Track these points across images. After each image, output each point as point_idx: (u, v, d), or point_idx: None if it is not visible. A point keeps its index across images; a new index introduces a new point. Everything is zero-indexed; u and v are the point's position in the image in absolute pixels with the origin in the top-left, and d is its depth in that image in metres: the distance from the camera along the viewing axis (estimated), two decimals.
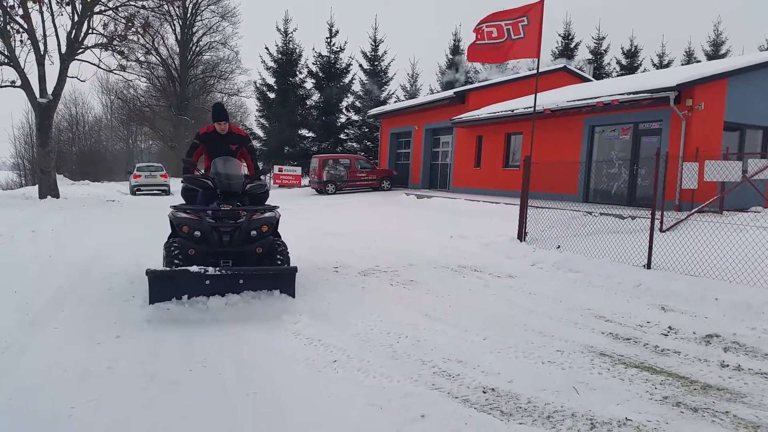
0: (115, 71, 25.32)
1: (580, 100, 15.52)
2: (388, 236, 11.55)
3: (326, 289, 6.80)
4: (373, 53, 37.37)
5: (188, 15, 42.66)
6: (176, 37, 43.18)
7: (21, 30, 20.56)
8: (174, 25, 42.39)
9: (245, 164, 7.09)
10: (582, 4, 43.26)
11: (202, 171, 6.77)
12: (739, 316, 5.77)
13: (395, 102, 35.29)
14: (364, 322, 5.46)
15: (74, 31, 21.31)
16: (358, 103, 37.16)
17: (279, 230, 6.81)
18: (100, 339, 4.80)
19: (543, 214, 10.23)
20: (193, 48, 44.55)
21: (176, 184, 26.39)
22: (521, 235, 10.11)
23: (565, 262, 8.09)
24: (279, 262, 6.29)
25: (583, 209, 12.34)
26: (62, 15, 24.59)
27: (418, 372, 4.26)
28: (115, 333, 4.97)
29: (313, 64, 36.90)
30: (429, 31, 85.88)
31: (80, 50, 21.99)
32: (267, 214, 6.27)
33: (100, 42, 22.80)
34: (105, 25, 22.73)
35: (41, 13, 20.96)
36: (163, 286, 5.49)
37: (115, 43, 23.17)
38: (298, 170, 30.19)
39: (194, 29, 43.77)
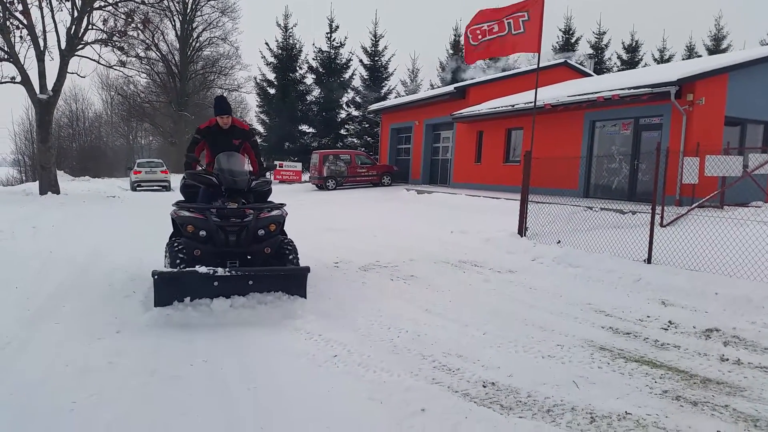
0: (115, 67, 25.27)
1: (581, 95, 15.49)
2: (389, 232, 11.55)
3: (327, 284, 6.80)
4: (373, 48, 37.30)
5: (188, 10, 42.60)
6: (176, 32, 43.13)
7: (21, 26, 20.52)
8: (174, 20, 42.33)
9: (248, 160, 6.82)
10: None
11: (204, 167, 6.53)
12: (739, 311, 5.76)
13: (395, 97, 35.24)
14: (365, 317, 5.47)
15: (74, 26, 21.27)
16: (358, 99, 37.12)
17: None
18: (101, 334, 4.81)
19: (543, 209, 10.23)
20: (193, 43, 44.47)
21: (176, 181, 26.41)
22: (522, 230, 10.11)
23: (566, 257, 8.09)
24: (289, 263, 6.02)
25: (584, 204, 12.32)
26: (62, 11, 24.65)
27: (419, 366, 4.27)
28: (115, 328, 4.98)
29: (314, 59, 36.87)
30: (429, 26, 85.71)
31: (80, 46, 21.95)
32: (274, 212, 6.04)
33: (99, 38, 22.76)
34: (105, 21, 22.68)
35: (41, 8, 20.94)
36: (170, 289, 5.26)
37: (114, 38, 23.11)
38: (299, 166, 30.18)
39: (194, 25, 43.68)
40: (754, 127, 14.79)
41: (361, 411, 3.51)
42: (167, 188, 28.23)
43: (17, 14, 20.28)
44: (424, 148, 25.59)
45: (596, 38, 39.86)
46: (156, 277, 5.18)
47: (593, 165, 16.10)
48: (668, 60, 39.76)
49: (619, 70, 36.95)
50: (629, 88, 13.91)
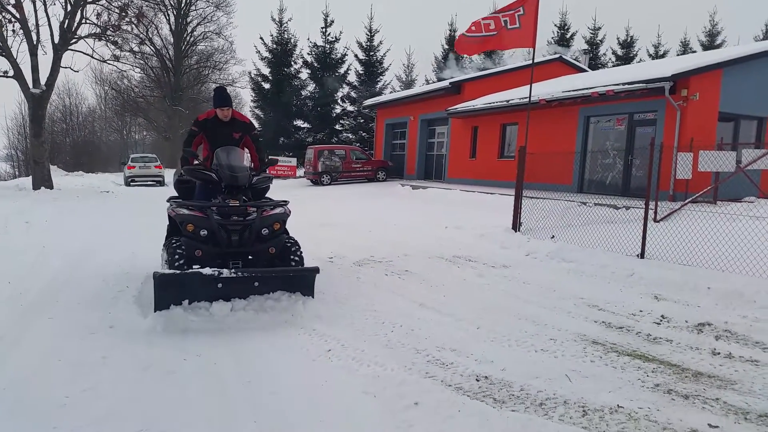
0: (108, 61, 25.15)
1: (576, 90, 15.51)
2: (384, 227, 11.56)
3: (321, 279, 6.75)
4: (368, 43, 37.22)
5: (182, 5, 42.31)
6: (170, 27, 42.86)
7: (13, 20, 20.39)
8: (168, 14, 42.06)
9: (248, 155, 6.38)
10: None
11: (202, 162, 6.12)
12: (731, 305, 5.80)
13: (391, 92, 35.21)
14: (359, 312, 5.48)
15: (67, 20, 21.15)
16: (353, 94, 37.06)
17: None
18: (94, 329, 4.80)
19: (538, 205, 10.25)
20: (188, 38, 44.20)
21: (170, 176, 26.32)
22: (516, 225, 10.14)
23: (559, 251, 8.11)
24: (294, 263, 5.75)
25: (578, 199, 12.36)
26: (55, 4, 24.44)
27: (412, 360, 4.29)
28: (108, 323, 4.97)
29: (308, 54, 36.80)
30: (425, 21, 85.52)
31: (73, 40, 21.83)
32: (277, 210, 5.73)
33: (93, 32, 22.64)
34: (98, 15, 22.56)
35: (33, 2, 20.84)
36: (171, 291, 4.97)
37: (108, 33, 23.00)
38: (293, 161, 30.13)
39: (188, 19, 43.40)
40: (747, 122, 14.85)
41: (354, 404, 3.52)
42: (161, 183, 28.18)
43: (9, 8, 20.17)
44: (419, 144, 25.59)
45: (591, 33, 39.93)
46: (157, 279, 4.86)
47: (587, 160, 16.14)
48: (663, 56, 39.84)
49: (614, 66, 37.02)
50: (624, 84, 13.93)
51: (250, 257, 5.58)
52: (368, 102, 30.25)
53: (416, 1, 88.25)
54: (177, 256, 5.36)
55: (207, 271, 4.97)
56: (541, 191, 11.40)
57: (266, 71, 37.07)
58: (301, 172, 28.66)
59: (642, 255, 7.62)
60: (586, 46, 38.39)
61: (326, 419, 3.33)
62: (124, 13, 22.88)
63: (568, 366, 4.21)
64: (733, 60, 13.86)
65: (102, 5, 22.42)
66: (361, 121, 36.82)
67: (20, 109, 44.80)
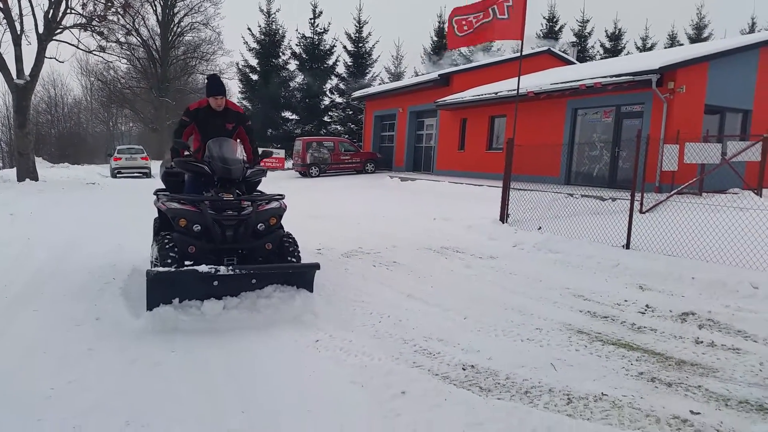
0: (94, 52, 24.89)
1: (564, 82, 15.57)
2: (372, 218, 11.57)
3: None
4: (357, 35, 37.09)
5: None
6: (157, 17, 42.36)
7: None
8: (155, 5, 41.56)
9: (241, 146, 5.98)
10: None
11: (192, 153, 5.82)
12: (714, 295, 5.88)
13: (380, 84, 35.14)
14: (347, 303, 5.49)
15: (52, 10, 20.86)
16: (342, 86, 36.94)
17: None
18: (80, 321, 4.77)
19: (525, 196, 10.30)
20: (175, 29, 43.74)
21: (157, 167, 26.14)
22: (503, 216, 10.18)
23: (546, 243, 8.17)
24: (292, 260, 5.51)
25: (565, 191, 12.42)
26: None
27: (400, 350, 4.31)
28: (94, 315, 4.94)
29: (297, 45, 36.62)
30: (413, 13, 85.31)
31: (58, 30, 21.55)
32: (273, 205, 5.52)
33: (78, 22, 22.35)
34: (84, 5, 22.24)
35: None
36: (165, 290, 4.73)
37: (94, 23, 22.72)
38: (282, 153, 30.02)
39: (175, 9, 42.89)
40: (732, 115, 14.99)
41: (342, 394, 3.54)
42: (148, 175, 27.99)
43: None
44: (408, 136, 25.58)
45: (580, 26, 40.03)
46: (151, 277, 4.61)
47: (575, 152, 16.23)
48: (651, 48, 40.04)
49: (602, 58, 37.15)
50: (611, 76, 14.00)
51: (242, 252, 5.38)
52: (357, 94, 30.17)
53: None
54: (169, 253, 5.08)
55: (203, 268, 4.74)
56: (528, 183, 11.45)
57: (254, 62, 36.85)
58: (289, 164, 28.56)
59: (627, 246, 7.69)
60: (574, 39, 38.49)
61: (314, 409, 3.34)
62: (109, 3, 22.60)
63: (554, 355, 4.25)
64: (720, 53, 13.97)
65: None
66: (350, 113, 36.74)
67: (4, 100, 44.31)
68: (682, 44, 37.68)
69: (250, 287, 5.05)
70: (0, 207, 12.34)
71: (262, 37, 36.30)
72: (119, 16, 24.87)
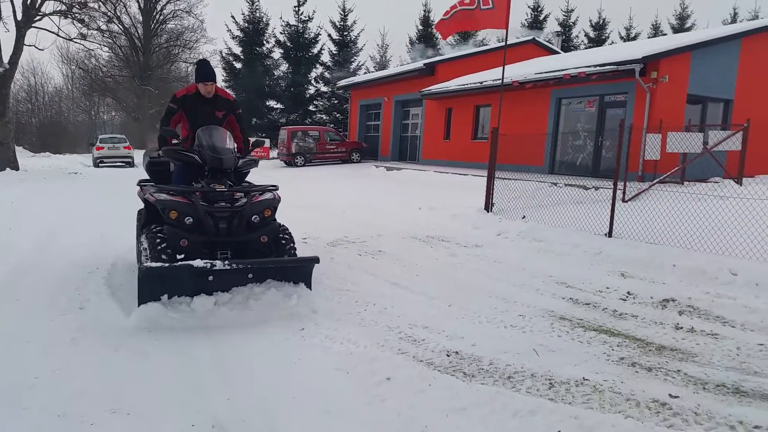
0: (75, 40, 24.52)
1: (548, 72, 15.63)
2: (358, 208, 11.58)
3: None
4: (342, 23, 36.92)
5: None
6: (139, 4, 41.84)
7: None
8: None
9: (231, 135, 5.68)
10: None
11: (180, 142, 5.57)
12: (694, 282, 5.97)
13: (365, 73, 35.01)
14: (332, 292, 5.50)
15: None
16: (327, 75, 36.76)
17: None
18: (63, 310, 4.75)
19: (509, 186, 10.36)
20: (157, 16, 43.23)
21: (140, 157, 25.88)
22: (488, 206, 10.24)
23: (530, 231, 8.23)
24: (288, 254, 5.35)
25: (549, 180, 12.52)
26: None
27: (385, 338, 4.34)
28: (78, 304, 4.92)
29: (281, 33, 36.36)
30: (399, 1, 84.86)
31: (38, 17, 21.18)
32: (267, 196, 5.33)
33: (58, 9, 22.00)
34: None
35: None
36: (158, 285, 4.52)
37: (74, 10, 22.36)
38: (267, 142, 29.83)
39: None
40: (714, 105, 15.16)
41: (327, 381, 3.56)
42: (130, 164, 27.73)
43: None
44: (394, 125, 25.56)
45: (564, 15, 40.16)
46: (143, 272, 4.39)
47: (559, 142, 16.33)
48: (634, 38, 40.30)
49: (586, 48, 37.31)
50: (595, 66, 14.08)
51: (232, 245, 5.11)
52: (342, 83, 30.05)
53: None
54: (161, 247, 4.86)
55: (199, 263, 4.51)
56: (513, 172, 11.52)
57: (238, 50, 36.56)
58: (274, 153, 28.42)
59: (610, 234, 7.78)
60: (559, 28, 38.59)
61: (299, 395, 3.36)
62: None
63: (536, 341, 4.31)
64: (702, 43, 14.10)
65: None
66: (335, 102, 36.60)
67: None
68: (665, 34, 37.96)
69: (246, 282, 4.83)
70: None
71: (246, 24, 35.99)
72: (100, 3, 24.52)
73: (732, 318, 4.91)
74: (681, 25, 40.60)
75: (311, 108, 37.30)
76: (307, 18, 36.09)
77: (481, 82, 18.32)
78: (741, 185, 11.31)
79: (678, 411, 3.22)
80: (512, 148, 11.04)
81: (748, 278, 5.74)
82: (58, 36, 22.90)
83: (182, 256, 4.88)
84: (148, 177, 6.16)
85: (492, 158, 10.31)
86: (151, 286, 4.50)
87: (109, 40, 38.46)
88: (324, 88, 36.95)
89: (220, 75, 41.09)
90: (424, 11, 38.62)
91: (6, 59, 20.40)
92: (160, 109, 44.69)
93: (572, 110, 16.26)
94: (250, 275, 4.83)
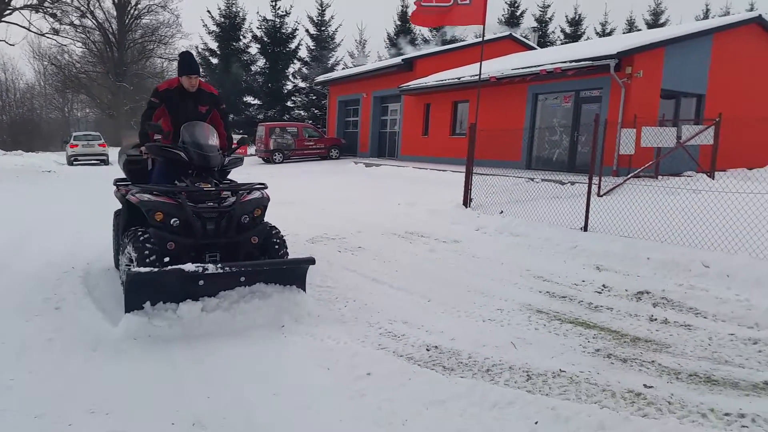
0: (47, 35, 24.12)
1: (525, 68, 15.75)
2: (337, 204, 11.58)
3: None
4: (319, 18, 36.76)
5: None
6: None
7: None
8: None
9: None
10: None
11: (165, 136, 5.29)
12: (668, 274, 6.09)
13: (343, 69, 34.91)
14: (312, 288, 5.48)
15: None
16: (305, 70, 36.58)
17: None
18: (39, 311, 4.69)
19: (487, 181, 10.45)
20: (132, 11, 42.65)
21: (115, 154, 25.52)
22: (466, 201, 10.31)
23: (508, 226, 8.32)
24: (279, 255, 5.17)
25: (526, 176, 12.64)
26: None
27: (365, 334, 4.37)
28: (54, 305, 4.86)
29: (258, 28, 36.05)
30: None
31: (7, 12, 20.77)
32: (255, 195, 5.10)
33: (29, 3, 21.59)
34: None
35: None
36: (147, 292, 4.28)
37: (46, 4, 21.95)
38: (249, 140, 29.64)
39: None
40: (687, 100, 15.41)
41: (308, 377, 3.58)
42: (105, 162, 27.35)
43: None
44: (372, 121, 25.55)
45: (541, 11, 40.43)
46: (131, 277, 4.16)
47: (535, 137, 16.48)
48: (610, 33, 40.73)
49: (562, 44, 37.63)
50: (571, 62, 14.23)
51: (220, 247, 4.86)
52: (320, 78, 29.94)
53: None
54: (148, 251, 4.57)
55: (190, 267, 4.27)
56: (491, 168, 11.60)
57: (214, 45, 36.19)
58: (252, 149, 28.23)
59: (585, 228, 7.90)
60: (535, 24, 38.85)
61: (280, 392, 3.37)
62: None
63: (514, 334, 4.38)
64: (675, 39, 14.32)
65: None
66: (314, 98, 36.45)
67: None
68: (640, 29, 38.44)
69: (237, 286, 4.59)
70: None
71: (222, 19, 35.63)
72: None
73: (704, 309, 5.03)
74: (655, 20, 41.15)
75: (289, 104, 37.10)
76: (284, 13, 35.86)
77: (459, 78, 18.40)
78: (713, 179, 11.55)
79: (652, 400, 3.30)
80: (490, 144, 11.13)
81: (719, 270, 5.87)
82: (30, 31, 22.60)
83: (167, 259, 4.61)
84: (124, 176, 5.98)
85: (470, 154, 10.38)
86: (140, 293, 4.27)
87: (83, 36, 37.97)
88: (302, 84, 36.79)
89: None
90: (402, 6, 38.62)
91: None
92: (134, 105, 44.15)
93: (549, 106, 16.42)
94: (242, 278, 4.60)
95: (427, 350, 4.05)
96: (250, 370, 3.67)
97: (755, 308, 4.90)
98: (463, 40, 29.73)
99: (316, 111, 36.33)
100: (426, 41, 35.39)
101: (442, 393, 3.30)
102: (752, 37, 15.69)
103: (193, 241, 4.72)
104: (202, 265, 4.33)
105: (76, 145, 27.47)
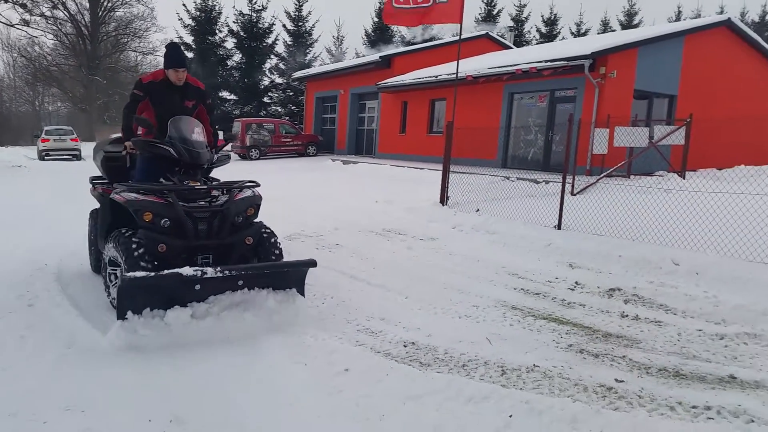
0: (17, 26, 23.55)
1: (501, 67, 15.89)
2: (314, 201, 11.56)
3: None
4: (297, 13, 36.53)
5: None
6: None
7: None
8: None
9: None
10: None
11: (152, 131, 4.96)
12: (639, 272, 6.23)
13: (321, 65, 34.79)
14: None
15: None
16: (282, 66, 36.36)
17: None
18: (12, 308, 4.62)
19: (464, 180, 10.54)
20: (105, 3, 41.89)
21: (88, 149, 25.08)
22: (443, 199, 10.39)
23: (484, 224, 8.41)
24: (274, 257, 4.95)
25: (502, 174, 12.77)
26: None
27: (343, 330, 4.40)
28: (27, 302, 4.80)
29: (234, 22, 35.66)
30: None
31: None
32: (247, 193, 4.88)
33: None
34: None
35: None
36: (142, 298, 4.04)
37: None
38: (220, 135, 29.32)
39: None
40: (660, 100, 15.69)
41: (285, 373, 3.60)
42: (78, 157, 26.85)
43: None
44: (350, 118, 25.52)
45: (517, 11, 40.74)
46: (126, 283, 3.90)
47: (511, 136, 16.64)
48: (584, 34, 41.26)
49: (538, 43, 37.99)
50: (546, 61, 14.39)
51: (212, 248, 4.64)
52: (297, 74, 29.79)
53: None
54: (138, 254, 4.33)
55: (188, 270, 4.04)
56: (467, 166, 11.71)
57: (189, 39, 35.71)
58: (228, 146, 27.99)
59: (559, 226, 8.02)
60: (511, 23, 39.17)
61: (258, 388, 3.39)
62: None
63: (489, 330, 4.45)
64: (648, 40, 14.56)
65: None
66: (291, 94, 36.24)
67: None
68: (614, 30, 38.99)
69: (235, 290, 4.37)
70: None
71: (198, 13, 35.19)
72: None
73: (674, 306, 5.16)
74: (629, 21, 41.77)
75: (266, 100, 36.82)
76: (260, 7, 35.55)
77: (436, 76, 18.48)
78: (684, 178, 11.82)
79: (623, 394, 3.39)
80: (467, 143, 11.23)
81: (689, 267, 6.02)
82: None
83: (156, 263, 4.37)
84: (100, 174, 5.77)
85: (447, 152, 10.46)
86: (134, 299, 4.02)
87: (54, 27, 37.18)
88: (279, 80, 36.53)
89: None
90: (380, 3, 38.57)
91: None
92: (108, 100, 43.46)
93: (524, 105, 16.59)
94: (240, 282, 4.36)
95: (404, 346, 4.10)
96: (228, 367, 3.67)
97: (723, 305, 5.06)
98: (441, 38, 29.85)
99: (293, 107, 36.13)
100: (404, 40, 35.44)
101: (419, 388, 3.35)
102: (722, 40, 16.05)
103: (185, 242, 4.48)
104: (201, 268, 4.10)
105: (48, 140, 26.93)
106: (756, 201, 6.90)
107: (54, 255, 6.40)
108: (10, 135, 46.13)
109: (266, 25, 35.92)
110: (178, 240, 4.45)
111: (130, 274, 3.93)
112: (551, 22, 41.43)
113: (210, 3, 35.28)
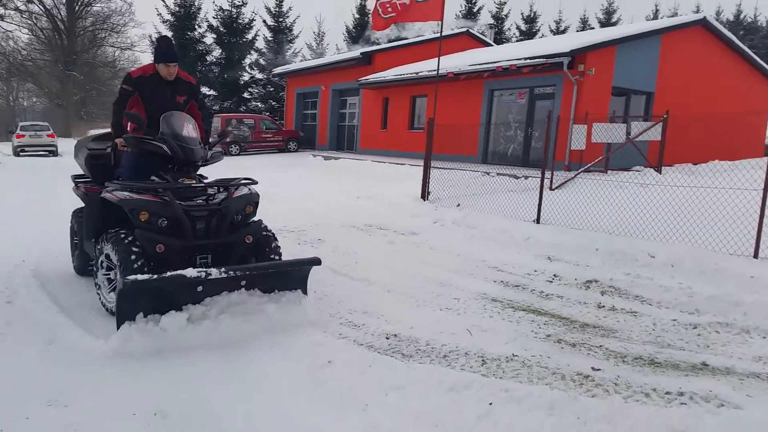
0: None
1: (481, 64, 15.99)
2: (296, 197, 11.56)
3: None
4: (277, 9, 36.32)
5: None
6: None
7: None
8: None
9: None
10: None
11: (142, 127, 4.74)
12: (616, 264, 6.36)
13: (301, 61, 34.65)
14: None
15: None
16: (262, 61, 36.14)
17: None
18: None
19: (445, 175, 10.62)
20: None
21: (65, 145, 24.73)
22: (424, 194, 10.47)
23: (464, 219, 8.50)
24: (274, 257, 4.82)
25: (482, 170, 12.89)
26: None
27: (326, 324, 4.43)
28: (5, 298, 4.76)
29: (214, 18, 35.30)
30: None
31: None
32: (244, 191, 4.77)
33: None
34: None
35: None
36: (142, 301, 3.87)
37: None
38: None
39: None
40: (637, 97, 15.93)
41: (268, 366, 3.62)
42: (54, 153, 26.47)
43: None
44: (331, 114, 25.48)
45: (497, 8, 40.94)
46: (127, 286, 3.71)
47: (491, 132, 16.77)
48: (564, 31, 41.60)
49: (518, 41, 38.25)
50: (526, 59, 14.52)
51: (210, 248, 4.51)
52: (278, 70, 29.64)
53: None
54: (135, 256, 4.18)
55: (191, 272, 3.88)
56: (448, 162, 11.80)
57: (168, 35, 35.26)
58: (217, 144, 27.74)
59: (538, 221, 8.14)
60: (492, 21, 39.38)
61: (241, 382, 3.42)
62: None
63: (470, 321, 4.53)
64: (626, 38, 14.77)
65: None
66: (271, 89, 36.03)
67: None
68: (593, 28, 39.39)
69: (237, 291, 4.24)
70: None
71: (177, 8, 34.79)
72: None
73: (649, 297, 5.29)
74: (608, 19, 42.20)
75: (246, 95, 36.54)
76: (240, 3, 35.25)
77: (417, 73, 18.54)
78: (660, 173, 12.03)
79: (600, 382, 3.48)
80: (447, 139, 11.32)
81: (664, 260, 6.17)
82: None
83: (152, 264, 4.26)
84: (82, 172, 5.59)
85: (428, 148, 10.53)
86: (135, 303, 3.86)
87: (29, 22, 36.51)
88: (259, 75, 36.28)
89: (148, 60, 39.69)
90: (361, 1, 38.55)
91: None
92: (85, 95, 42.86)
93: (504, 102, 16.72)
94: (243, 282, 4.24)
95: (387, 338, 4.16)
96: (212, 361, 3.69)
97: (697, 295, 5.19)
98: (422, 35, 29.90)
99: (273, 103, 35.94)
100: (385, 35, 35.43)
101: (402, 379, 3.40)
102: (698, 38, 16.33)
103: (184, 242, 4.33)
104: (205, 270, 3.94)
105: (23, 136, 26.49)
106: (729, 195, 7.07)
107: (32, 251, 6.33)
108: None
109: (246, 20, 35.63)
110: (176, 240, 4.31)
111: (132, 277, 3.79)
112: (531, 20, 41.72)
113: None
